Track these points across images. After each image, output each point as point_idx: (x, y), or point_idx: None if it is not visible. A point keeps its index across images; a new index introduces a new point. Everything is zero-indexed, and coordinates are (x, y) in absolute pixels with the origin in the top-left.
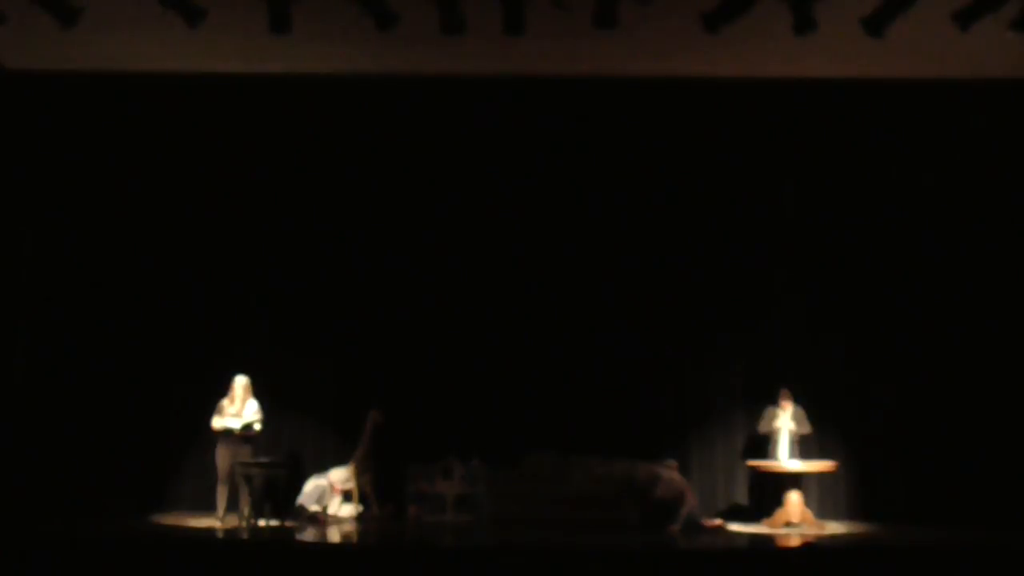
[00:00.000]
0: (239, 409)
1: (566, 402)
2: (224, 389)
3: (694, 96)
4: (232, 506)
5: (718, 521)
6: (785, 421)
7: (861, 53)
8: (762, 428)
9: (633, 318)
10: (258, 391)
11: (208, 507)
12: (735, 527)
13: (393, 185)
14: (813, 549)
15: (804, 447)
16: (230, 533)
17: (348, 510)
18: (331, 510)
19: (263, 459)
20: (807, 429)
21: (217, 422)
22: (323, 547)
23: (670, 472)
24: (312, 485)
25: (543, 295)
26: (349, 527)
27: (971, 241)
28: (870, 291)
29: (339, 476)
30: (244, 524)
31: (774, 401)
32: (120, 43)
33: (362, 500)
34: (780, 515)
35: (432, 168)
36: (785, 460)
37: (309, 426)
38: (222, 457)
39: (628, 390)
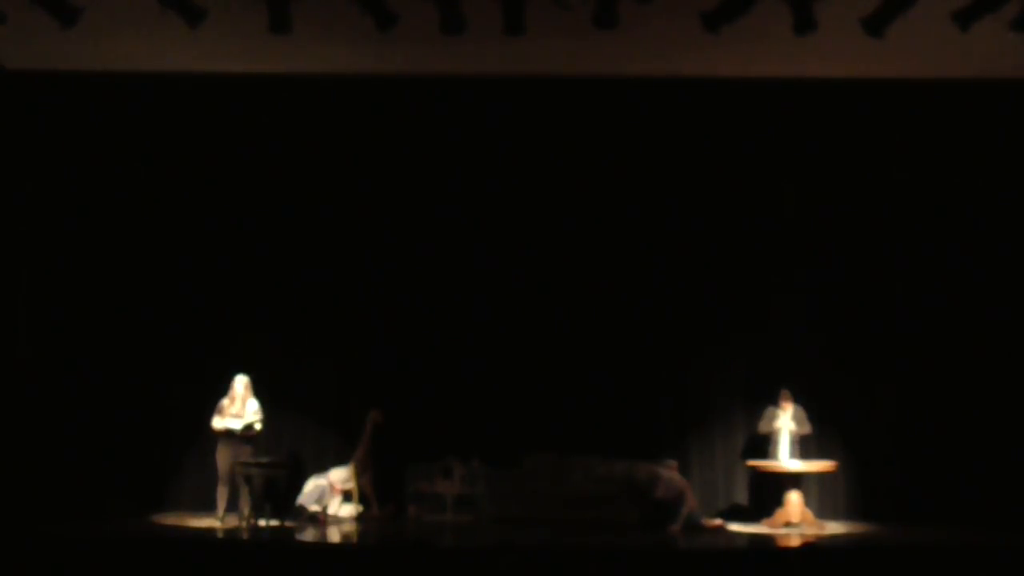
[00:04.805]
0: (240, 409)
1: (566, 402)
2: (224, 389)
3: (694, 96)
4: (232, 506)
5: (718, 521)
6: (785, 421)
7: (861, 53)
8: (762, 428)
9: (633, 318)
10: (258, 391)
11: (208, 507)
12: (735, 527)
13: (393, 185)
14: (813, 549)
15: (804, 447)
16: (230, 533)
17: (348, 510)
18: (331, 510)
19: (263, 459)
20: (807, 429)
21: (218, 422)
22: (323, 547)
23: (670, 472)
24: (312, 485)
25: (543, 295)
26: (349, 527)
27: (971, 241)
28: (870, 291)
29: (339, 476)
30: (244, 524)
31: (774, 401)
32: (120, 43)
33: (362, 500)
34: (780, 515)
35: (432, 168)
36: (785, 460)
37: (309, 426)
38: (223, 457)
39: (628, 390)
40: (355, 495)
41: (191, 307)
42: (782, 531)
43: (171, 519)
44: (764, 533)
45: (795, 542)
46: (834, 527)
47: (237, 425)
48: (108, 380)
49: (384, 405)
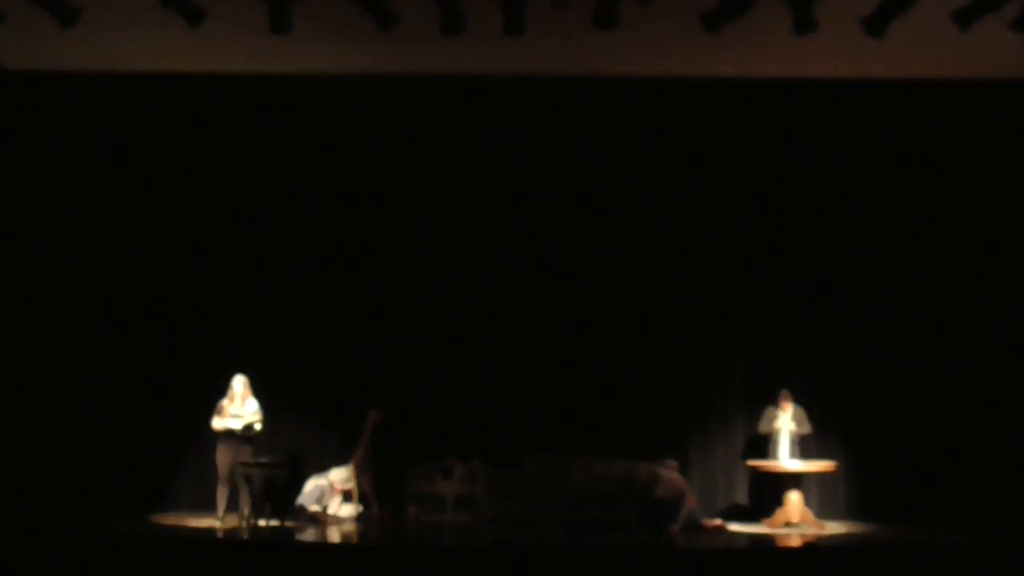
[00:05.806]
0: (239, 409)
1: (566, 402)
2: (224, 389)
3: (694, 96)
4: (232, 506)
5: (718, 521)
6: (785, 421)
7: (861, 53)
8: (762, 428)
9: (633, 318)
10: (258, 391)
11: (208, 507)
12: (735, 527)
13: (393, 185)
14: (813, 549)
15: (804, 447)
16: (230, 533)
17: (348, 510)
18: (331, 510)
19: (263, 459)
20: (807, 429)
21: (217, 422)
22: (323, 547)
23: (670, 472)
24: (312, 485)
25: (543, 295)
26: (349, 527)
27: (971, 241)
28: (870, 291)
29: (339, 476)
30: (244, 524)
31: (774, 401)
32: (120, 43)
33: (362, 500)
34: (780, 515)
35: (432, 168)
36: (785, 460)
37: (309, 426)
38: (222, 457)
39: (628, 390)
40: (355, 495)
41: (191, 307)
42: (782, 531)
43: (171, 519)
44: (764, 533)
45: (795, 542)
46: (834, 527)
47: (237, 425)
48: (107, 380)
49: (384, 405)
